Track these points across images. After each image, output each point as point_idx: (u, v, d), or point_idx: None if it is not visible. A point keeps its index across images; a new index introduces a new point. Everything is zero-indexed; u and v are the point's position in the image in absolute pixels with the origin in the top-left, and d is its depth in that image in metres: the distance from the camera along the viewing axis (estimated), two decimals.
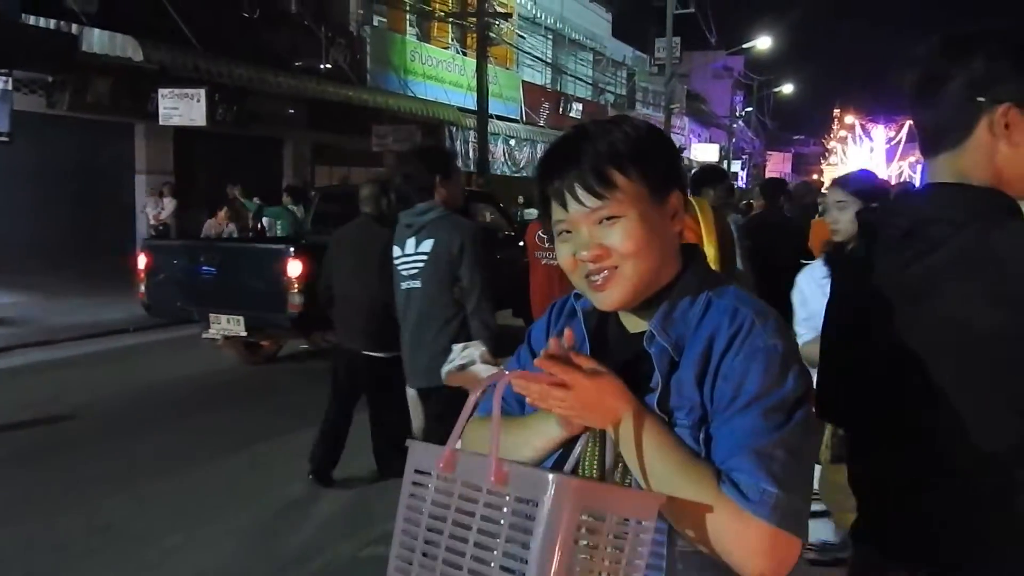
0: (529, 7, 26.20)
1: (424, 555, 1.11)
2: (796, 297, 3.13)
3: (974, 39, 1.38)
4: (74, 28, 11.73)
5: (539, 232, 5.27)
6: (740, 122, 51.03)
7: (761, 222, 6.46)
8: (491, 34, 19.05)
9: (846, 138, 63.47)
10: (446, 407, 3.45)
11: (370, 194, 5.02)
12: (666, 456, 1.14)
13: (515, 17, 23.76)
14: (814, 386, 1.27)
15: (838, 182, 3.27)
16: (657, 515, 1.09)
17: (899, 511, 1.41)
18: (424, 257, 3.68)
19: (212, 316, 7.58)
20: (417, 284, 3.71)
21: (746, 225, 5.97)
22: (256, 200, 13.37)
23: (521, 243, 8.94)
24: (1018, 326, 1.25)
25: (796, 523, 1.11)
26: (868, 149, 58.60)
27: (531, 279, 5.47)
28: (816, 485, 2.00)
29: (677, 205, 1.25)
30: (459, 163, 15.35)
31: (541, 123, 26.25)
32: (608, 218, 1.19)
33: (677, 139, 32.61)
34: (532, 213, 9.68)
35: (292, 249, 7.28)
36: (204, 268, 7.78)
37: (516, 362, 1.44)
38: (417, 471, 1.14)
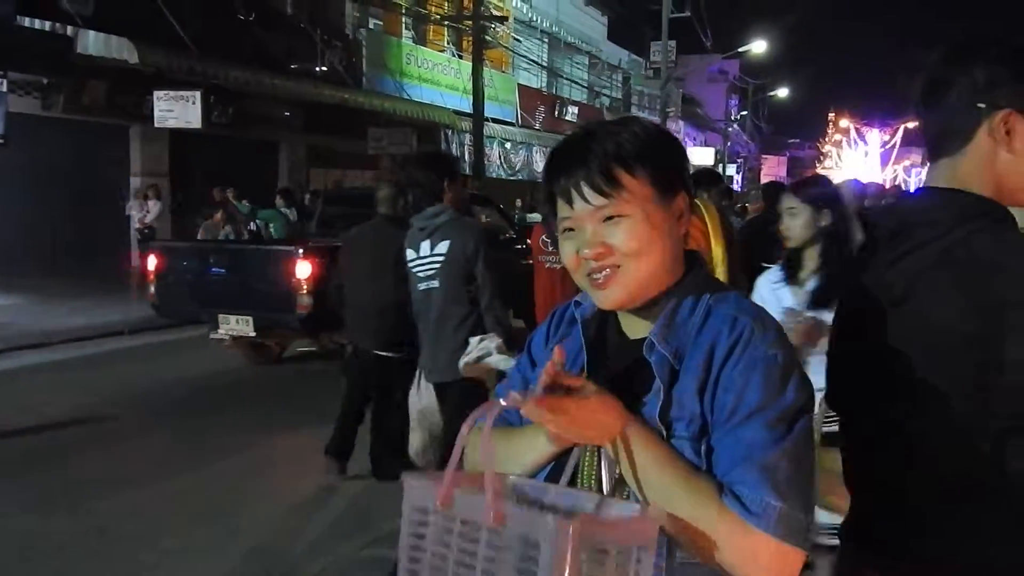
0: (525, 10, 26.24)
1: None
2: (754, 299, 3.18)
3: (976, 46, 1.40)
4: (69, 30, 11.73)
5: (543, 236, 5.31)
6: (735, 126, 51.13)
7: (760, 225, 6.47)
8: (487, 37, 19.05)
9: (841, 142, 63.62)
10: (466, 399, 3.62)
11: (388, 195, 5.04)
12: (665, 471, 1.13)
13: (511, 20, 23.78)
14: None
15: (790, 189, 3.33)
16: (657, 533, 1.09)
17: (884, 509, 1.42)
18: (440, 258, 3.87)
19: (221, 317, 7.64)
20: (435, 284, 3.89)
21: (743, 228, 5.98)
22: (246, 203, 13.34)
23: (520, 245, 8.99)
24: (994, 329, 1.26)
25: (799, 535, 1.10)
26: (863, 153, 58.76)
27: (535, 283, 5.49)
28: None
29: (683, 207, 1.25)
30: None
31: (537, 126, 26.26)
32: (613, 217, 1.19)
33: None
34: (532, 217, 9.69)
35: (301, 250, 7.34)
36: (213, 269, 7.85)
37: (517, 371, 1.44)
38: (416, 508, 1.12)
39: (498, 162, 24.10)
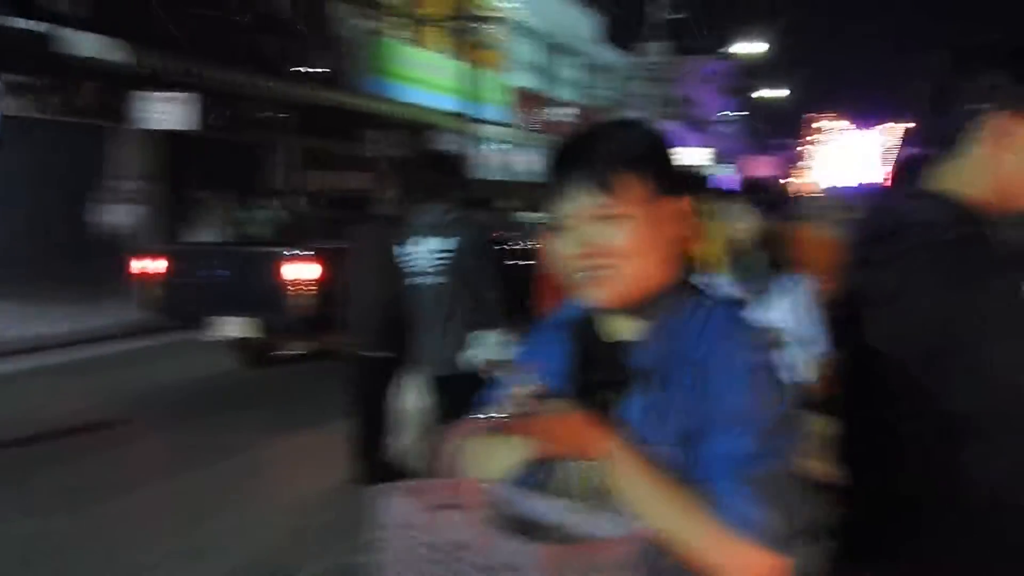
0: (519, 11, 26.22)
1: None
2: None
3: (979, 51, 1.44)
4: (63, 32, 11.67)
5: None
6: (730, 126, 51.18)
7: None
8: (480, 38, 19.03)
9: (815, 142, 63.87)
10: (466, 394, 3.51)
11: (391, 197, 5.10)
12: (652, 484, 1.14)
13: (504, 21, 23.77)
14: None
15: (741, 192, 3.38)
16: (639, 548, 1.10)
17: (878, 511, 1.44)
18: (449, 254, 3.97)
19: (218, 319, 7.62)
20: (441, 279, 3.98)
21: None
22: (235, 205, 13.26)
23: (518, 245, 8.98)
24: (977, 335, 1.29)
25: (787, 545, 1.12)
26: (851, 152, 58.90)
27: (541, 283, 5.48)
28: None
29: (682, 211, 1.25)
30: None
31: (532, 127, 26.23)
32: (609, 216, 1.20)
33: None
34: (527, 216, 9.69)
35: (304, 252, 7.35)
36: (210, 271, 7.83)
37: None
38: (399, 524, 1.13)
39: (493, 163, 24.07)
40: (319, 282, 7.18)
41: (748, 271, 3.03)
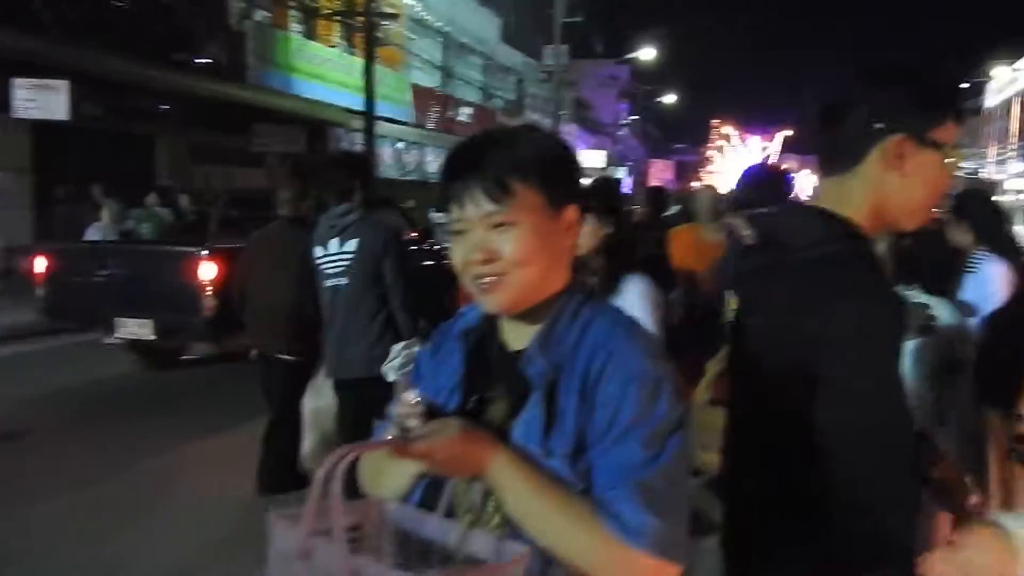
0: (419, 9, 25.96)
1: None
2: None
3: (884, 71, 1.47)
4: None
5: None
6: (625, 130, 52.31)
7: (644, 230, 6.53)
8: (379, 35, 18.70)
9: (722, 147, 66.19)
10: (366, 402, 3.59)
11: (288, 197, 4.94)
12: (539, 499, 1.15)
13: (404, 18, 23.47)
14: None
15: None
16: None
17: (759, 518, 1.47)
18: (350, 256, 3.93)
19: (117, 320, 7.39)
20: (344, 281, 3.95)
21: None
22: (112, 201, 12.56)
23: (422, 246, 9.02)
24: (815, 353, 1.34)
25: (677, 551, 1.13)
26: (745, 158, 61.26)
27: (458, 286, 5.43)
28: None
29: (573, 219, 1.25)
30: None
31: (430, 126, 26.06)
32: (502, 224, 1.20)
33: None
34: (436, 217, 9.63)
35: (205, 252, 7.16)
36: (110, 271, 7.55)
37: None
38: (281, 554, 1.11)
39: (390, 162, 23.76)
40: (219, 282, 7.02)
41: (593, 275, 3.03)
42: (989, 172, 41.68)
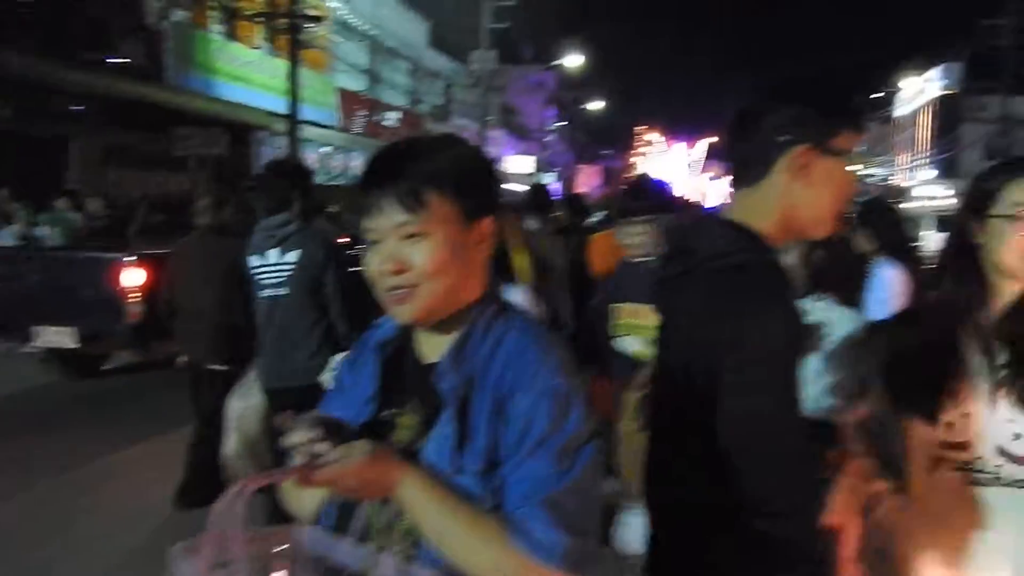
0: (344, 12, 25.63)
1: None
2: None
3: (792, 84, 1.53)
4: None
5: None
6: (553, 135, 52.65)
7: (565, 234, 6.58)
8: (303, 37, 18.37)
9: (647, 154, 67.30)
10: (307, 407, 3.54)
11: (207, 205, 4.89)
12: (450, 517, 1.14)
13: (329, 21, 23.13)
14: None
15: None
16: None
17: (673, 537, 1.49)
18: (291, 266, 3.91)
19: (34, 329, 7.08)
20: (283, 292, 3.92)
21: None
22: (17, 205, 12.00)
23: (351, 252, 8.83)
24: (718, 363, 1.35)
25: (587, 567, 1.14)
26: (669, 164, 62.42)
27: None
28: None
29: (487, 232, 1.25)
30: None
31: (356, 130, 25.75)
32: (415, 235, 1.20)
33: (491, 151, 33.10)
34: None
35: (130, 257, 6.98)
36: (26, 277, 7.25)
37: (327, 401, 1.43)
38: None
39: (315, 166, 23.36)
40: (143, 289, 6.88)
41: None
42: (899, 179, 43.39)
